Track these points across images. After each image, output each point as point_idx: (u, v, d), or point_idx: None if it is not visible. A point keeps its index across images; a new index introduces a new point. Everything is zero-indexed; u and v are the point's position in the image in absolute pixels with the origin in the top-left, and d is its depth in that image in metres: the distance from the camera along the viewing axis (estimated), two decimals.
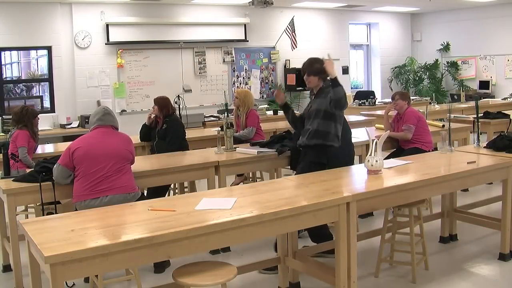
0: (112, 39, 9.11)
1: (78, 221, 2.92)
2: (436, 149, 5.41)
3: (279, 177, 5.67)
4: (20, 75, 9.12)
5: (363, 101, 9.90)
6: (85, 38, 8.93)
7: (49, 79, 8.81)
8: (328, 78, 4.14)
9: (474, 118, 6.14)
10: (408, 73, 12.77)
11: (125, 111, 9.33)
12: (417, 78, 12.69)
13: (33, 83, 9.14)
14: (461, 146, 5.91)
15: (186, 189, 5.99)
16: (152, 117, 5.74)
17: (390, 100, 6.45)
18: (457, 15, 12.38)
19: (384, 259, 4.13)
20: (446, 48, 12.62)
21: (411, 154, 5.03)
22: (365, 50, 13.15)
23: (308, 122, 4.42)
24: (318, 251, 4.21)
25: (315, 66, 4.35)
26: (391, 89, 12.09)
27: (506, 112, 7.38)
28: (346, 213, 3.27)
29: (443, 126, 6.18)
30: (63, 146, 5.14)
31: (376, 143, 3.84)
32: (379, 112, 8.39)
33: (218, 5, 10.12)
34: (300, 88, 10.78)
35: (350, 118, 7.98)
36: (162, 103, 5.53)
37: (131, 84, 9.43)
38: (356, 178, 3.97)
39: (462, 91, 10.76)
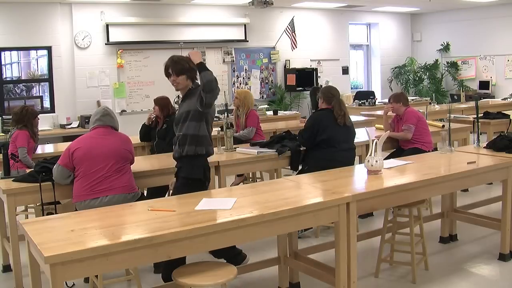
0: (112, 39, 9.11)
1: (78, 221, 2.92)
2: (436, 149, 5.41)
3: (279, 177, 5.66)
4: (20, 75, 9.12)
5: (363, 101, 9.90)
6: (85, 38, 8.93)
7: (49, 79, 8.82)
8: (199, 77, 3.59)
9: (474, 118, 6.14)
10: (408, 73, 12.77)
11: (125, 111, 9.33)
12: (417, 78, 12.69)
13: (33, 83, 9.15)
14: (461, 146, 5.91)
15: None
16: (152, 117, 5.74)
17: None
18: (457, 15, 12.38)
19: (384, 259, 4.13)
20: (446, 48, 12.62)
21: (411, 154, 5.03)
22: (365, 50, 13.15)
23: (176, 130, 3.79)
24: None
25: (181, 64, 3.76)
26: (391, 90, 12.09)
27: (506, 112, 7.37)
28: (346, 213, 3.26)
29: (443, 126, 6.17)
30: (63, 146, 5.14)
31: (376, 143, 3.84)
32: (379, 112, 8.38)
33: (218, 5, 10.12)
34: (300, 88, 10.79)
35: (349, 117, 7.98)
36: (163, 103, 5.53)
37: (131, 84, 9.43)
38: (356, 178, 3.97)
39: (462, 91, 10.77)
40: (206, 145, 3.75)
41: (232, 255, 4.07)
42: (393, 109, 5.76)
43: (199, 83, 3.63)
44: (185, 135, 3.69)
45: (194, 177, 3.72)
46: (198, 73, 3.67)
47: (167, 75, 3.84)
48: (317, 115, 4.92)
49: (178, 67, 3.76)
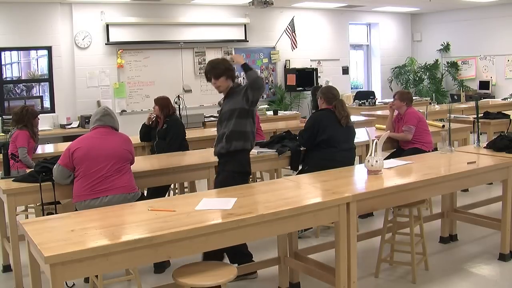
0: (112, 39, 9.11)
1: (78, 221, 2.92)
2: (436, 149, 5.41)
3: (279, 177, 5.66)
4: (20, 75, 9.12)
5: (363, 101, 9.90)
6: (85, 38, 8.93)
7: (49, 79, 8.81)
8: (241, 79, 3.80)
9: (474, 118, 6.14)
10: (408, 73, 12.77)
11: (125, 111, 9.33)
12: (417, 78, 12.69)
13: (33, 83, 9.15)
14: (461, 146, 5.91)
15: (186, 189, 5.99)
16: (152, 117, 5.74)
17: (390, 100, 6.45)
18: (457, 15, 12.38)
19: (384, 259, 4.13)
20: (446, 48, 12.62)
21: (411, 154, 5.03)
22: (365, 50, 13.15)
23: (221, 127, 4.00)
24: (240, 274, 3.73)
25: (219, 67, 3.95)
26: (391, 90, 12.10)
27: (506, 112, 7.37)
28: (346, 213, 3.27)
29: (443, 126, 6.18)
30: (63, 146, 5.14)
31: (376, 143, 3.84)
32: (379, 112, 8.40)
33: (218, 5, 10.12)
34: (300, 88, 10.78)
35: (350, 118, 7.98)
36: (163, 103, 5.53)
37: (131, 84, 9.43)
38: (356, 178, 3.97)
39: (462, 91, 10.77)
40: (251, 140, 4.01)
41: (240, 254, 4.03)
42: (394, 106, 5.77)
43: (238, 82, 3.85)
44: (233, 131, 3.89)
45: (242, 170, 3.97)
46: (240, 72, 3.87)
47: (208, 79, 4.05)
48: (317, 115, 4.91)
49: (216, 72, 3.96)
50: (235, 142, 3.89)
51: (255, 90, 3.82)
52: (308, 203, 3.16)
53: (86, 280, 3.92)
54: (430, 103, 9.10)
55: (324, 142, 4.73)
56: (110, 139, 3.92)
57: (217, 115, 8.62)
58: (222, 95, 4.14)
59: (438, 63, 12.68)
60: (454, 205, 4.82)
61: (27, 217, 5.44)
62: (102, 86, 9.16)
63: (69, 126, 8.41)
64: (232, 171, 3.93)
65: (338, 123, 4.75)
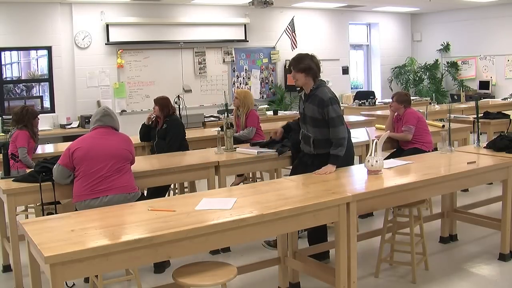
0: (112, 39, 9.11)
1: (78, 221, 2.92)
2: (436, 149, 5.41)
3: (279, 177, 5.66)
4: (20, 75, 9.13)
5: (363, 101, 9.89)
6: (85, 38, 8.94)
7: (49, 79, 8.81)
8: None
9: (474, 118, 6.14)
10: (408, 73, 12.77)
11: (125, 111, 9.33)
12: (417, 78, 12.69)
13: (33, 83, 9.15)
14: (461, 146, 5.91)
15: (186, 189, 5.99)
16: (152, 117, 5.74)
17: (390, 100, 6.45)
18: (457, 15, 12.38)
19: (384, 259, 4.13)
20: (446, 48, 12.62)
21: (411, 154, 5.02)
22: (365, 50, 13.15)
23: (305, 127, 4.22)
24: (316, 251, 4.12)
25: (303, 62, 4.10)
26: (391, 89, 12.10)
27: (506, 112, 7.37)
28: (346, 213, 3.27)
29: (443, 126, 6.17)
30: (63, 146, 5.14)
31: (376, 143, 3.84)
32: (379, 112, 8.40)
33: (218, 5, 10.12)
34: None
35: (350, 118, 7.99)
36: (163, 103, 5.53)
37: (131, 84, 9.43)
38: (356, 178, 3.97)
39: (462, 91, 10.76)
40: None
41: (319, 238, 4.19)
42: (392, 108, 5.78)
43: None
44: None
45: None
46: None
47: (289, 71, 4.17)
48: None
49: (298, 66, 4.16)
50: (322, 149, 4.09)
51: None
52: (308, 203, 3.15)
53: (86, 280, 3.92)
54: (430, 103, 9.09)
55: None
56: (110, 139, 3.92)
57: (217, 115, 8.67)
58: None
59: (438, 63, 12.68)
60: (454, 205, 4.83)
61: (27, 217, 5.44)
62: (102, 86, 9.17)
63: (69, 126, 8.41)
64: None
65: None
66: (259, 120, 6.33)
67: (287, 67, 4.19)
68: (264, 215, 2.93)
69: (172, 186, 5.88)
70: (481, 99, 10.42)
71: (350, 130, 4.65)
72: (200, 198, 3.28)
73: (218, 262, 3.08)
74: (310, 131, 4.15)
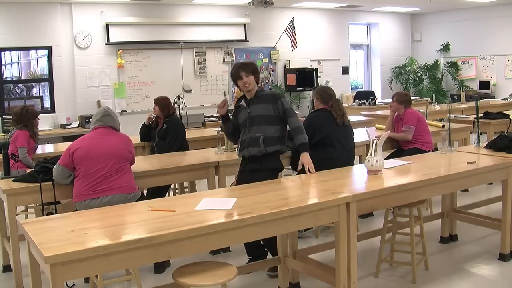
0: (112, 39, 9.11)
1: (78, 221, 2.92)
2: (436, 149, 5.41)
3: (279, 177, 5.66)
4: (20, 75, 9.12)
5: (363, 101, 9.90)
6: (85, 38, 8.93)
7: (49, 79, 8.81)
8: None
9: (474, 118, 6.14)
10: (408, 73, 12.76)
11: (125, 111, 9.32)
12: (417, 79, 12.68)
13: (33, 83, 9.14)
14: (461, 146, 5.91)
15: (186, 189, 5.99)
16: (152, 117, 5.74)
17: (390, 100, 6.46)
18: (457, 15, 12.38)
19: (384, 259, 4.13)
20: (446, 48, 12.62)
21: (411, 154, 5.03)
22: (365, 50, 13.15)
23: (252, 130, 4.08)
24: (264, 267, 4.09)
25: (252, 65, 4.13)
26: (391, 90, 12.09)
27: (506, 112, 7.37)
28: (346, 213, 3.27)
29: (443, 126, 6.18)
30: (63, 146, 5.15)
31: (376, 143, 3.84)
32: (379, 112, 8.40)
33: (218, 5, 10.12)
34: (300, 88, 10.78)
35: (350, 118, 7.97)
36: (163, 103, 5.53)
37: (131, 84, 9.43)
38: (356, 178, 3.97)
39: (462, 91, 10.77)
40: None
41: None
42: (392, 108, 5.79)
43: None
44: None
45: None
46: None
47: (237, 78, 4.08)
48: (312, 116, 4.96)
49: (249, 68, 4.07)
50: (273, 146, 4.12)
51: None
52: (308, 203, 3.16)
53: (86, 280, 3.92)
54: (430, 103, 9.10)
55: (321, 142, 4.72)
56: (110, 139, 3.92)
57: (217, 115, 8.65)
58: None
59: (438, 63, 12.68)
60: (454, 205, 4.83)
61: (27, 217, 5.44)
62: (102, 86, 9.16)
63: (69, 126, 8.41)
64: (271, 169, 4.16)
65: (335, 122, 4.76)
66: None
67: (230, 76, 4.11)
68: (264, 215, 2.93)
69: (172, 186, 5.88)
70: (481, 99, 10.42)
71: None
72: (200, 198, 3.28)
73: (218, 262, 3.08)
74: (258, 131, 4.05)
